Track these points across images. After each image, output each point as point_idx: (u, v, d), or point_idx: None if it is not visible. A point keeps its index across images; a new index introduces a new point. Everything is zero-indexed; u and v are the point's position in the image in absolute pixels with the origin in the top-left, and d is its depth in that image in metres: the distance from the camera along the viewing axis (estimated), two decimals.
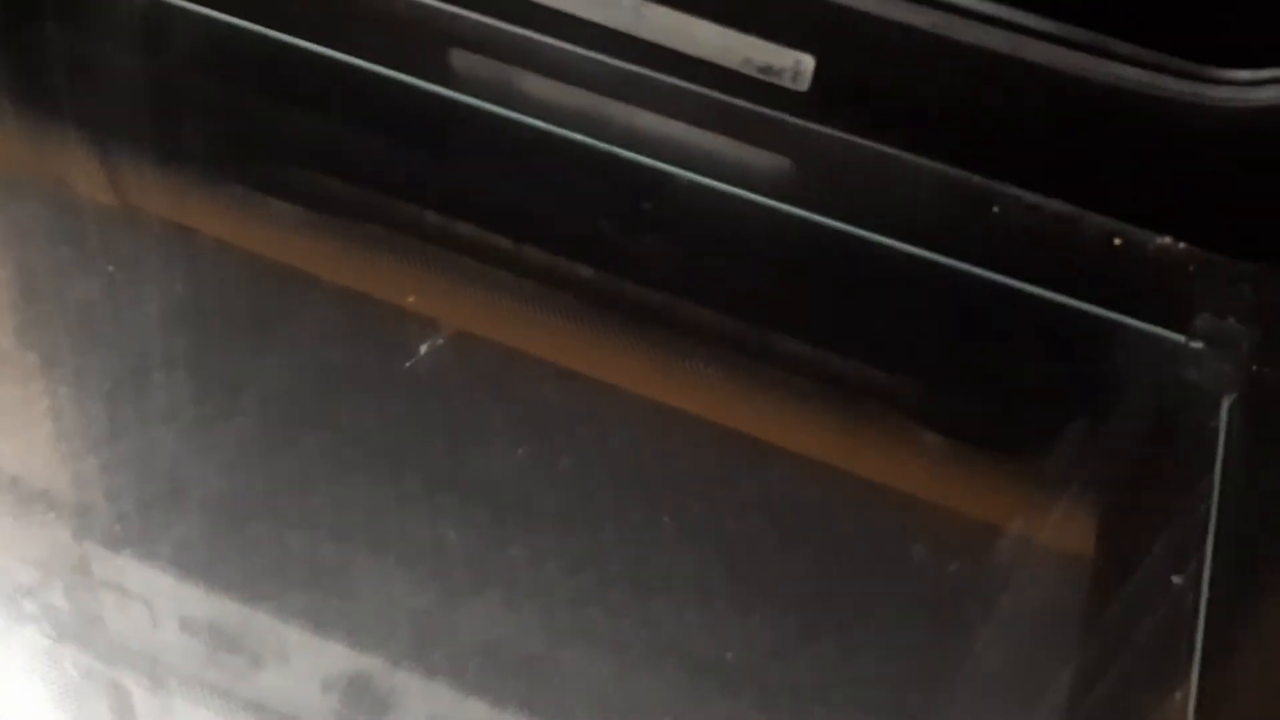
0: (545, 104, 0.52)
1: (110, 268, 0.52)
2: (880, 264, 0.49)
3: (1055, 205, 0.47)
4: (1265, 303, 0.41)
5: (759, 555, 0.47)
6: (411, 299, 0.50)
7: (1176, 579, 0.43)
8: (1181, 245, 0.46)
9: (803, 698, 0.44)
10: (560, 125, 0.50)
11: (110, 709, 0.43)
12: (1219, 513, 0.42)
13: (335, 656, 0.43)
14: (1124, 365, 0.47)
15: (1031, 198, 0.46)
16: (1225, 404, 0.44)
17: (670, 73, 0.49)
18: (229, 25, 0.56)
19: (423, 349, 0.49)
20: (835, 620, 0.46)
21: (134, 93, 0.57)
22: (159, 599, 0.44)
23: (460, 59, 0.54)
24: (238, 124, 0.58)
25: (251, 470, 0.47)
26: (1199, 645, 0.41)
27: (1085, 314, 0.46)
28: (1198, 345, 0.42)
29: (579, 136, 0.51)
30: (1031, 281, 0.46)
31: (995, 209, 0.46)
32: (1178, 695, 0.41)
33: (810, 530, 0.48)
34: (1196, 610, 0.41)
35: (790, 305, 0.51)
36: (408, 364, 0.48)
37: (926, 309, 0.50)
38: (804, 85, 0.46)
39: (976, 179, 0.47)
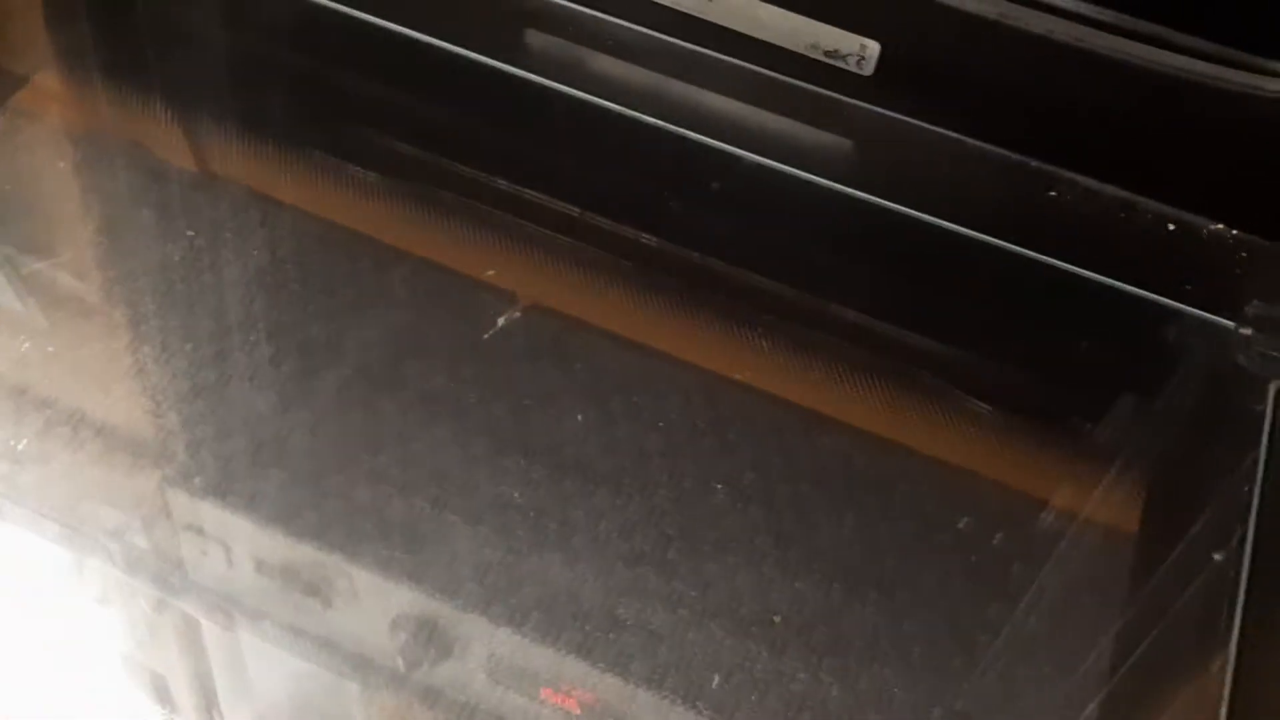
0: (616, 84, 0.53)
1: (190, 232, 0.54)
2: (937, 244, 0.49)
3: (1111, 191, 0.47)
4: None
5: (808, 522, 0.48)
6: (491, 272, 0.51)
7: (1218, 555, 0.44)
8: (1234, 233, 0.47)
9: (848, 660, 0.45)
10: (630, 106, 0.51)
11: (181, 641, 0.45)
12: (1262, 493, 0.43)
13: (403, 602, 0.45)
14: (1174, 348, 0.48)
15: (1088, 183, 0.47)
16: (1272, 389, 0.45)
17: (737, 55, 0.49)
18: (313, 3, 0.58)
19: (500, 320, 0.50)
20: (882, 586, 0.47)
21: (217, 61, 0.59)
22: (236, 543, 0.46)
23: (534, 38, 0.55)
24: (318, 96, 0.59)
25: (328, 427, 0.49)
26: (1238, 620, 0.42)
27: (1137, 298, 0.47)
28: (1247, 331, 0.42)
29: (648, 117, 0.52)
30: (1086, 265, 0.47)
31: (1052, 193, 0.47)
32: (1215, 668, 0.41)
33: (859, 499, 0.49)
34: (1237, 585, 0.42)
35: (847, 282, 0.52)
36: (485, 335, 0.50)
37: (981, 289, 0.51)
38: (869, 70, 0.46)
39: (1035, 164, 0.47)
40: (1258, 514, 0.41)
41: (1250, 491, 0.42)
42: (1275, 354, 0.41)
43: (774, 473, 0.49)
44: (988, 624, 0.46)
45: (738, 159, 0.50)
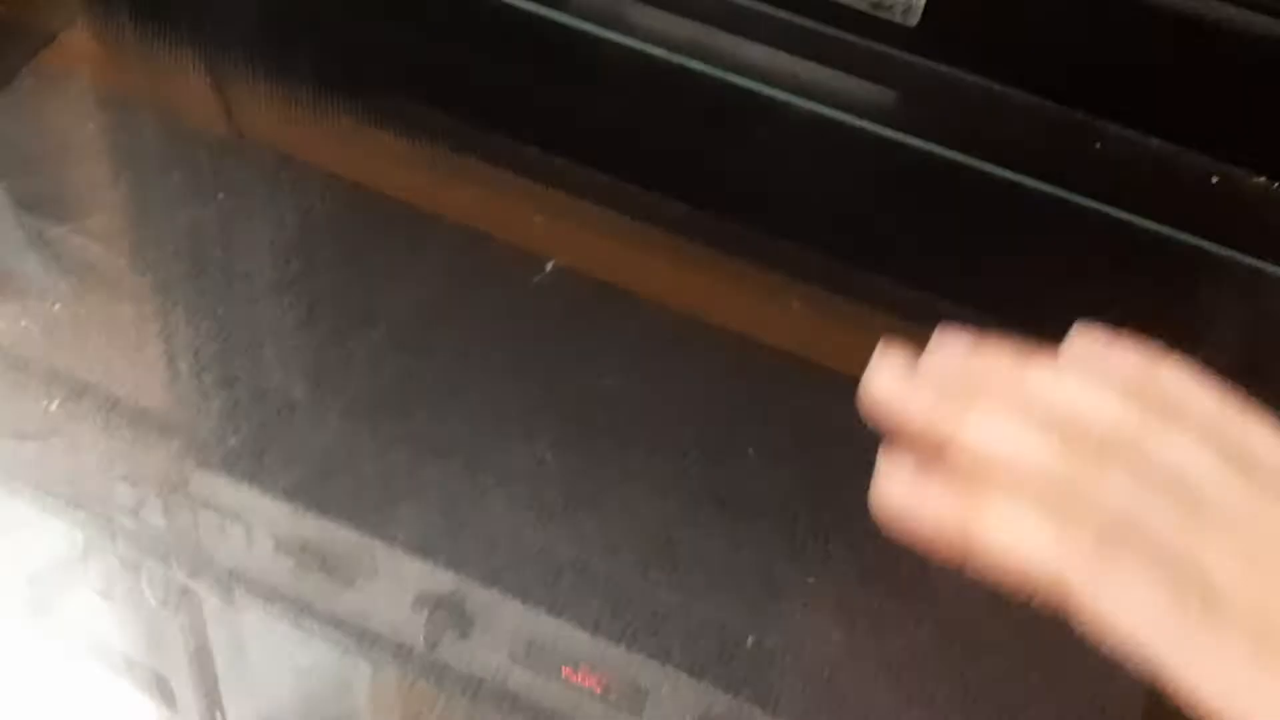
0: (660, 35, 0.52)
1: (221, 195, 0.54)
2: (979, 192, 0.49)
3: (1155, 143, 0.46)
4: None
5: (840, 484, 0.48)
6: (519, 233, 0.51)
7: None
8: (1277, 185, 0.46)
9: (880, 621, 0.45)
10: (675, 55, 0.50)
11: (185, 640, 0.46)
12: None
13: (427, 575, 0.45)
14: (1217, 295, 0.47)
15: (1133, 135, 0.46)
16: None
17: (783, 6, 0.49)
18: None
19: (534, 281, 0.50)
20: (913, 549, 0.47)
21: (249, 21, 0.59)
22: (256, 519, 0.46)
23: None
24: (351, 58, 0.59)
25: (355, 395, 0.49)
26: None
27: (1182, 244, 0.46)
28: None
29: (694, 63, 0.51)
30: (1130, 211, 0.46)
31: (1098, 145, 0.46)
32: None
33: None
34: None
35: (884, 234, 0.52)
36: (519, 298, 0.50)
37: (1025, 237, 0.51)
38: (914, 20, 0.46)
39: (1080, 115, 0.47)
40: None
41: None
42: None
43: (804, 435, 0.49)
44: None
45: (783, 104, 0.49)
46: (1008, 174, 0.46)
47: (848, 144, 0.48)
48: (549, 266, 0.50)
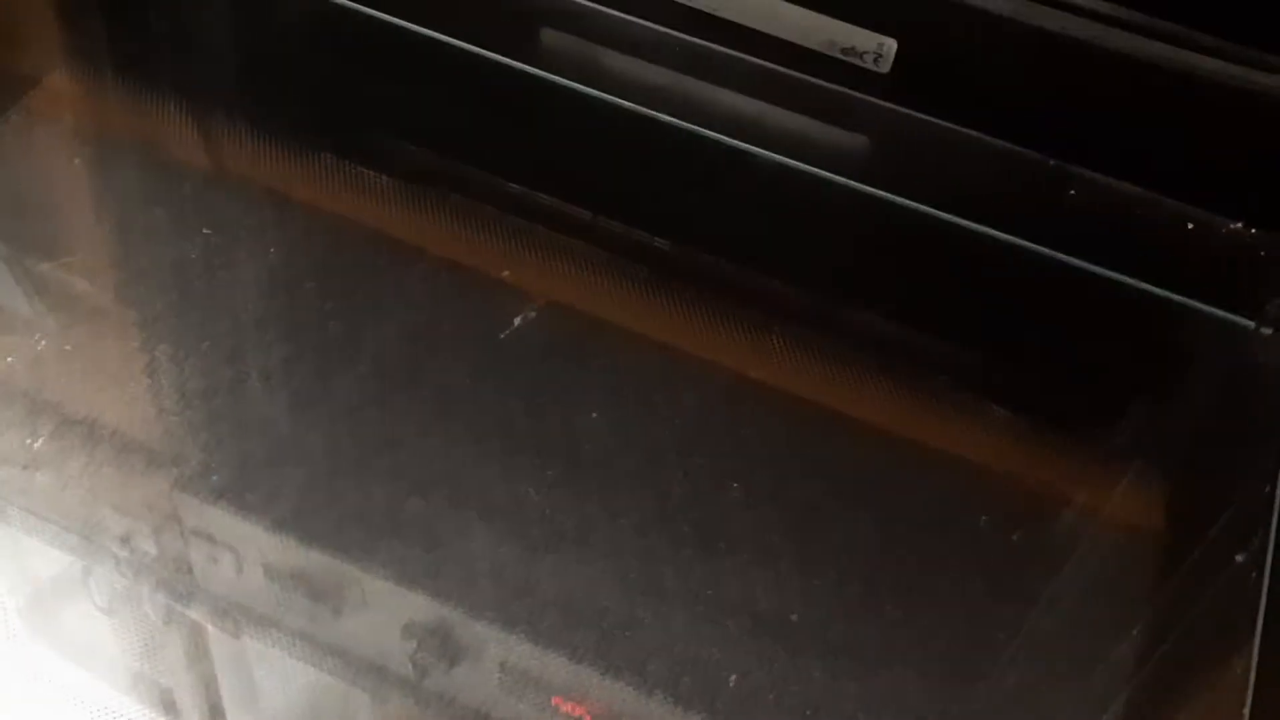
0: (631, 82, 0.53)
1: (206, 231, 0.54)
2: (954, 243, 0.49)
3: (1129, 189, 0.47)
4: None
5: (824, 521, 0.48)
6: (507, 272, 0.51)
7: (1240, 556, 0.44)
8: (1253, 231, 0.46)
9: (866, 659, 0.45)
10: (646, 104, 0.51)
11: (188, 650, 0.45)
12: None
13: (415, 606, 0.45)
14: (1193, 348, 0.47)
15: (1106, 181, 0.46)
16: None
17: (753, 53, 0.49)
18: (327, 2, 0.58)
19: (516, 321, 0.50)
20: (898, 585, 0.47)
21: (231, 60, 0.59)
22: (248, 547, 0.46)
23: (549, 36, 0.55)
24: (332, 95, 0.59)
25: (341, 427, 0.49)
26: (1260, 621, 0.42)
27: (1156, 297, 0.47)
28: (1268, 330, 0.42)
29: (664, 115, 0.51)
30: (1103, 263, 0.46)
31: (1071, 191, 0.47)
32: (1238, 670, 0.41)
33: (875, 498, 0.49)
34: (1259, 586, 0.42)
35: (863, 280, 0.52)
36: (501, 335, 0.50)
37: (998, 287, 0.51)
38: (886, 67, 0.46)
39: (1053, 162, 0.47)
40: (1279, 513, 0.41)
41: (1272, 492, 0.42)
42: None
43: (790, 472, 0.49)
44: (1005, 623, 0.46)
45: (754, 157, 0.50)
46: (979, 227, 0.46)
47: (820, 194, 0.48)
48: (534, 304, 0.51)
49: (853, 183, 0.48)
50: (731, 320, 0.52)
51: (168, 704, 0.45)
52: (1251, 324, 0.44)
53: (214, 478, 0.47)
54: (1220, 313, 0.46)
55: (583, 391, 0.50)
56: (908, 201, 0.48)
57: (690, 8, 0.49)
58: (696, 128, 0.51)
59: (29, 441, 0.48)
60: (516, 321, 0.51)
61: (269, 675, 0.45)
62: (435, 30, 0.56)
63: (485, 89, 0.56)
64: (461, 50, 0.55)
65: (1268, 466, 0.42)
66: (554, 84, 0.53)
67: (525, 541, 0.46)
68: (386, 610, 0.45)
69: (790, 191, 0.50)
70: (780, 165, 0.50)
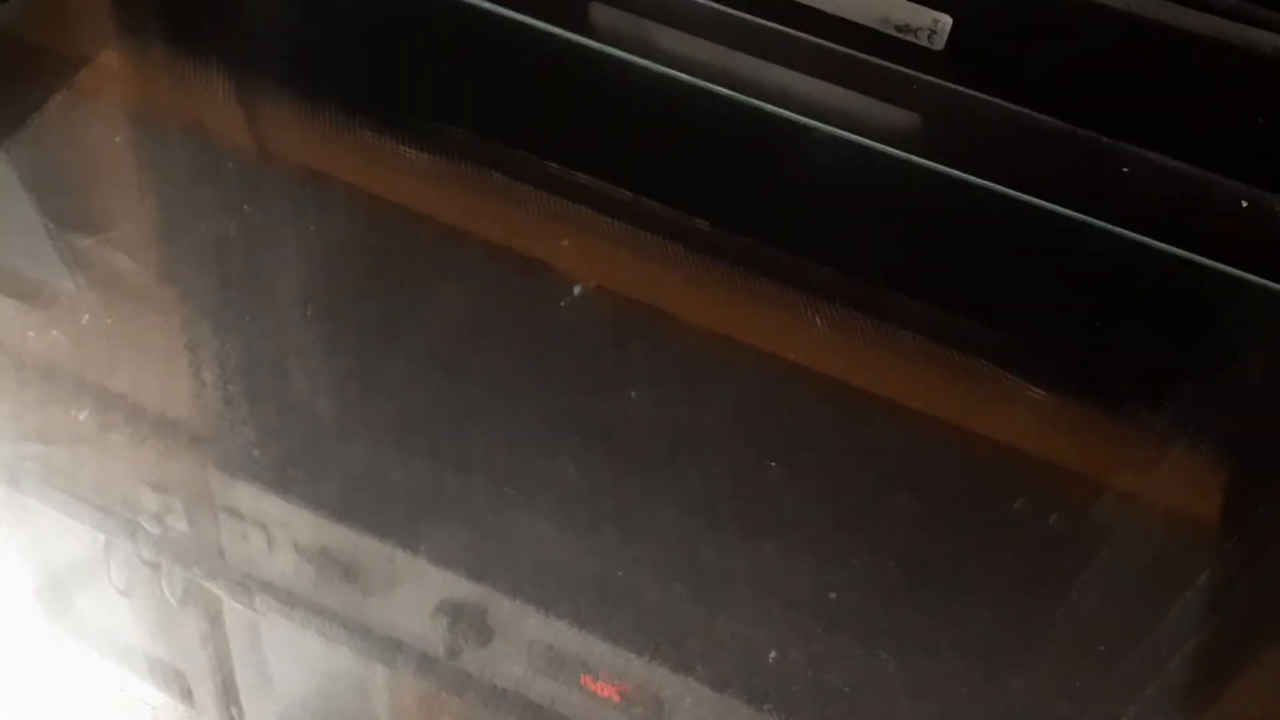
0: (683, 59, 0.52)
1: (248, 208, 0.54)
2: (1006, 218, 0.49)
3: (1184, 168, 0.46)
4: None
5: (864, 502, 0.48)
6: (552, 253, 0.51)
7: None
8: None
9: (904, 638, 0.45)
10: (697, 79, 0.51)
11: (205, 633, 0.45)
12: None
13: (449, 584, 0.45)
14: (1246, 325, 0.47)
15: (1161, 160, 0.46)
16: None
17: (806, 29, 0.49)
18: None
19: (562, 303, 0.51)
20: (937, 566, 0.47)
21: (278, 40, 0.59)
22: (281, 526, 0.46)
23: (599, 11, 0.54)
24: (379, 74, 0.59)
25: (379, 406, 0.49)
26: None
27: (1209, 270, 0.46)
28: None
29: (715, 88, 0.51)
30: (1156, 237, 0.46)
31: (1125, 169, 0.46)
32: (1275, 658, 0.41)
33: (915, 479, 0.49)
34: None
35: (910, 258, 0.52)
36: (546, 317, 0.50)
37: (1048, 263, 0.51)
38: (940, 44, 0.46)
39: (1107, 140, 0.47)
40: None
41: None
42: None
43: (829, 453, 0.49)
44: (1043, 607, 0.46)
45: (806, 134, 0.50)
46: (1033, 200, 0.46)
47: (872, 169, 0.48)
48: (577, 288, 0.51)
49: (903, 154, 0.48)
50: (775, 302, 0.52)
51: (183, 688, 0.45)
52: None
53: (254, 453, 0.47)
54: (1274, 286, 0.45)
55: (626, 372, 0.50)
56: (958, 173, 0.47)
57: None
58: (747, 101, 0.50)
59: (74, 413, 0.48)
60: (561, 303, 0.51)
61: (288, 657, 0.46)
62: (487, 1, 0.56)
63: (533, 64, 0.55)
64: (510, 22, 0.55)
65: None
66: (602, 58, 0.53)
67: (564, 520, 0.46)
68: (420, 589, 0.45)
69: (841, 168, 0.50)
70: (832, 141, 0.49)
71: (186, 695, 0.45)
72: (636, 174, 0.54)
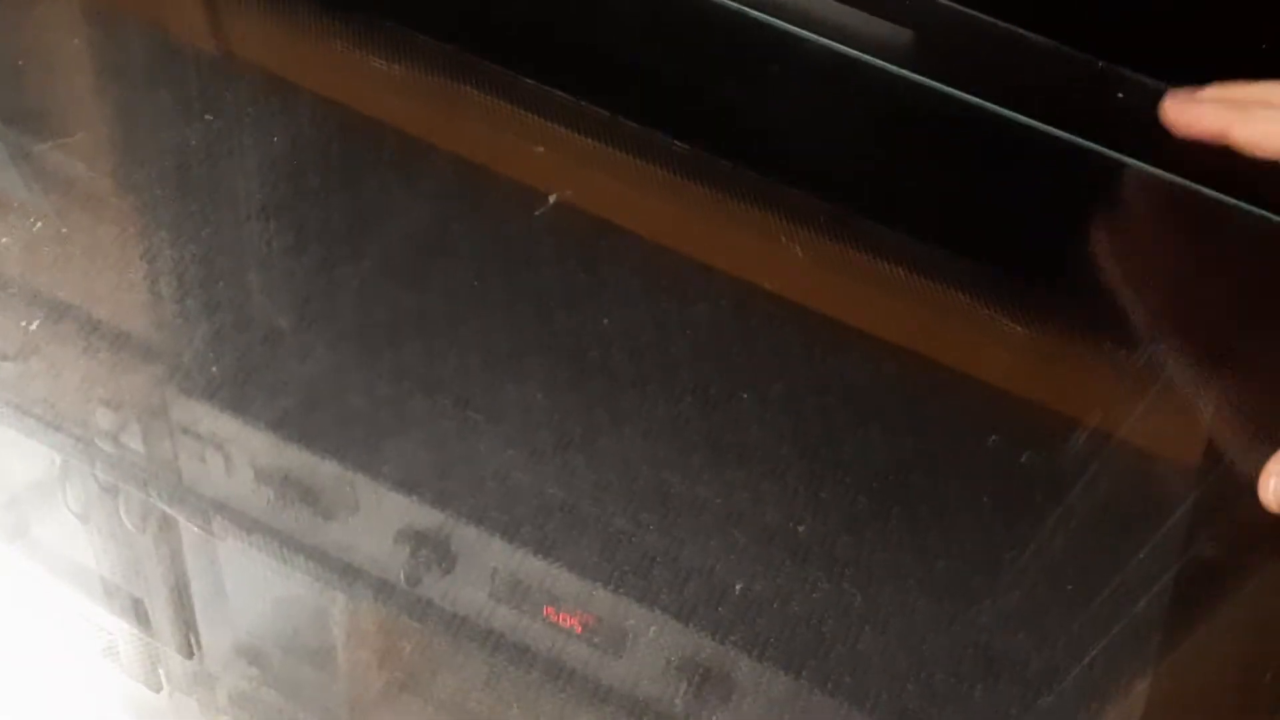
0: None
1: (209, 116, 0.52)
2: (992, 137, 0.47)
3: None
4: None
5: (834, 434, 0.48)
6: (523, 166, 0.50)
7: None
8: None
9: (871, 571, 0.45)
10: None
11: (172, 553, 0.45)
12: None
13: (412, 511, 0.44)
14: (1238, 251, 0.46)
15: (1157, 85, 0.45)
16: None
17: None
18: None
19: (529, 218, 0.49)
20: (907, 500, 0.46)
21: None
22: (239, 446, 0.45)
23: None
24: None
25: (343, 326, 0.48)
26: None
27: (1198, 194, 0.45)
28: None
29: None
30: (1146, 159, 0.45)
31: (1120, 95, 0.45)
32: (1248, 599, 0.41)
33: (887, 413, 0.48)
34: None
35: (893, 184, 0.51)
36: (513, 232, 0.49)
37: (1035, 188, 0.50)
38: None
39: (1102, 64, 0.45)
40: None
41: None
42: None
43: (801, 384, 0.49)
44: (1011, 543, 0.46)
45: (794, 43, 0.48)
46: (1021, 118, 0.45)
47: (861, 83, 0.46)
48: (551, 199, 0.49)
49: (892, 67, 0.46)
50: (753, 228, 0.51)
51: (140, 614, 0.44)
52: None
53: (213, 369, 0.46)
54: (1265, 213, 0.44)
55: (598, 294, 0.49)
56: (945, 88, 0.45)
57: None
58: (732, 8, 0.48)
59: (24, 324, 0.47)
60: (535, 213, 0.50)
61: (246, 583, 0.45)
62: None
63: None
64: None
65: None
66: None
67: (530, 446, 0.46)
68: (381, 514, 0.44)
69: (827, 84, 0.48)
70: (820, 53, 0.47)
71: (144, 621, 0.44)
72: (616, 89, 0.52)
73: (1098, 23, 0.44)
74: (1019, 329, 0.50)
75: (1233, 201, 0.46)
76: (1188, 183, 0.46)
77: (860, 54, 0.47)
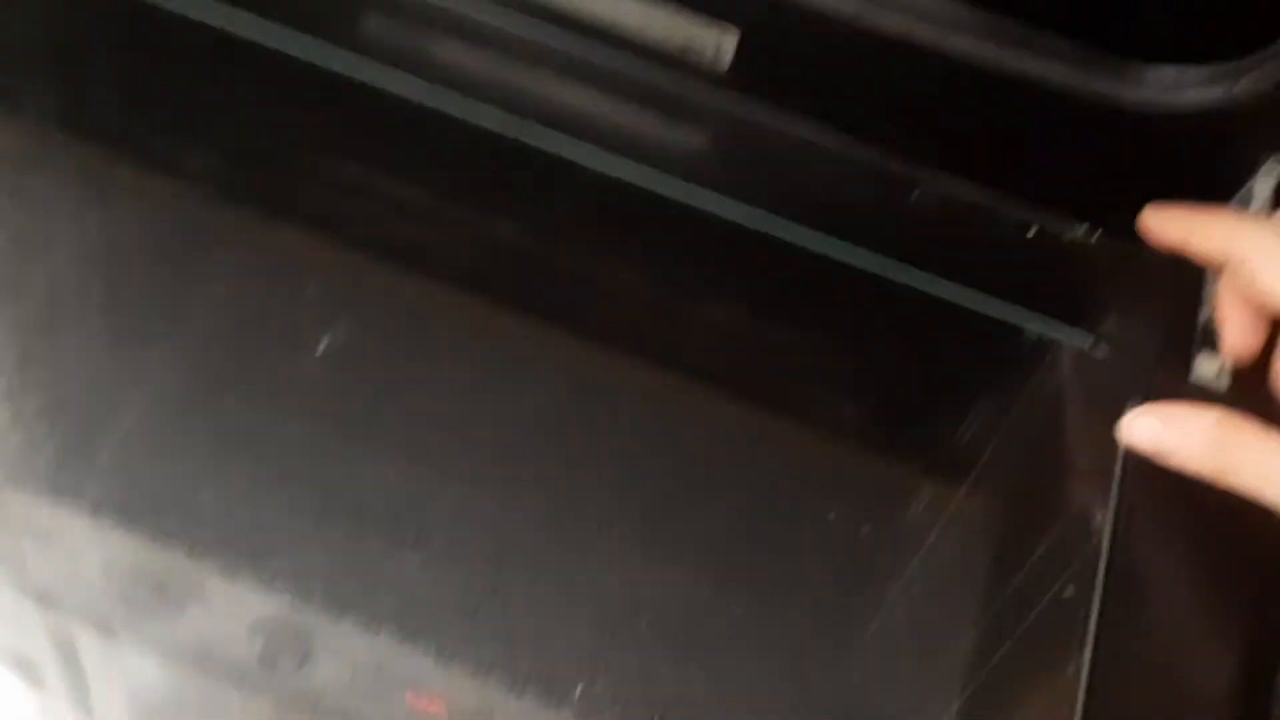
0: (453, 73, 0.48)
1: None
2: (798, 250, 0.47)
3: (973, 193, 0.45)
4: (1169, 310, 0.41)
5: (677, 515, 0.48)
6: (308, 285, 0.49)
7: (1067, 591, 0.43)
8: (1096, 236, 0.45)
9: (717, 655, 0.45)
10: (469, 97, 0.47)
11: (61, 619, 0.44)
12: (1115, 517, 0.42)
13: (257, 605, 0.43)
14: (1031, 364, 0.47)
15: (951, 184, 0.44)
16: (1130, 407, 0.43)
17: (584, 43, 0.45)
18: None
19: (322, 341, 0.48)
20: (751, 579, 0.47)
21: (36, 42, 0.54)
22: (77, 541, 0.44)
23: (368, 21, 0.50)
24: (137, 89, 0.54)
25: (166, 418, 0.46)
26: (1089, 648, 0.42)
27: (997, 308, 0.45)
28: (1103, 350, 0.40)
29: (488, 108, 0.47)
30: (947, 272, 0.44)
31: (915, 194, 0.45)
32: (1070, 674, 0.42)
33: (727, 492, 0.48)
34: (1087, 613, 0.42)
35: (705, 281, 0.50)
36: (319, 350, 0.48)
37: (839, 294, 0.50)
38: (724, 64, 0.43)
39: (896, 164, 0.45)
40: (1110, 544, 0.41)
41: (1101, 526, 0.41)
42: (1132, 371, 0.40)
43: (640, 465, 0.49)
44: (853, 617, 0.46)
45: (582, 154, 0.46)
46: (821, 231, 0.44)
47: (651, 196, 0.45)
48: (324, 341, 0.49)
49: (689, 185, 0.45)
50: (571, 318, 0.50)
51: (35, 675, 0.43)
52: (1089, 341, 0.43)
53: (39, 460, 0.45)
54: (1061, 327, 0.44)
55: (423, 384, 0.49)
56: (744, 206, 0.45)
57: None
58: (523, 121, 0.46)
59: None
60: (323, 342, 0.49)
61: (103, 672, 0.44)
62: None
63: (295, 83, 0.50)
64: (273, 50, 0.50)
65: (1099, 491, 0.42)
66: (371, 72, 0.48)
67: (364, 544, 0.45)
68: (230, 608, 0.43)
69: (621, 194, 0.47)
70: (613, 162, 0.46)
71: (38, 678, 0.43)
72: (413, 195, 0.51)
73: (894, 124, 0.44)
74: (850, 405, 0.50)
75: (1018, 311, 0.45)
76: (975, 293, 0.45)
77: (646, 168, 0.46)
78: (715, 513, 0.48)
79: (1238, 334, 0.38)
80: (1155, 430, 0.37)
